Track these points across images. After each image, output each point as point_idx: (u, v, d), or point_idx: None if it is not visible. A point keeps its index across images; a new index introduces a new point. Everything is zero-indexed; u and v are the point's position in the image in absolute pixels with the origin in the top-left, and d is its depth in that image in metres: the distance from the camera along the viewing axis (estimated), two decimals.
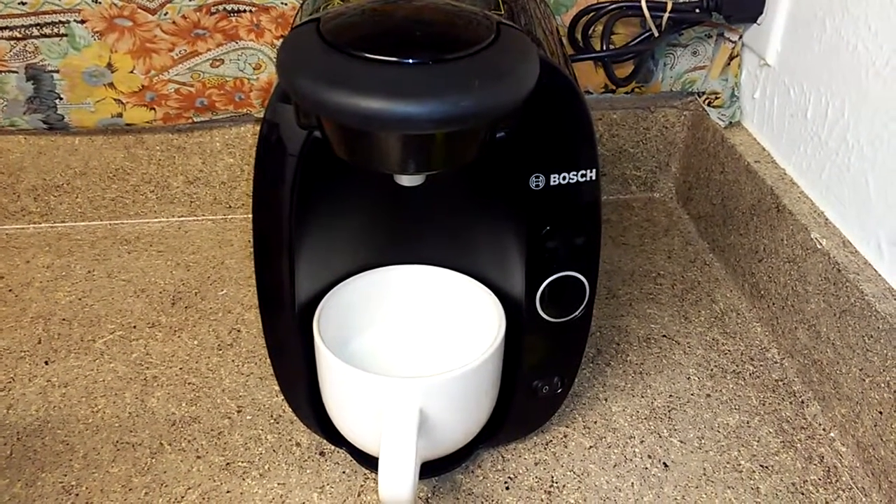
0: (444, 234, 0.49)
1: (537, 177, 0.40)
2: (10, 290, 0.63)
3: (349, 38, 0.33)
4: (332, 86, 0.31)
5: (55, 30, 0.60)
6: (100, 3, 0.59)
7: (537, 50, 0.36)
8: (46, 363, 0.56)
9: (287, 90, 0.33)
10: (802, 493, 0.48)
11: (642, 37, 0.63)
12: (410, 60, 0.32)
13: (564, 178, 0.40)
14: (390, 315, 0.51)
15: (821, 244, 0.53)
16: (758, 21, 0.63)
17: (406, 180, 0.40)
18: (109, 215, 0.72)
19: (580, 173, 0.40)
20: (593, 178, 0.41)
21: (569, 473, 0.49)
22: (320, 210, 0.43)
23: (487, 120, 0.34)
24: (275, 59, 0.63)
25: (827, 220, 0.55)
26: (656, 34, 0.62)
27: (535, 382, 0.47)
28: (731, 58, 0.67)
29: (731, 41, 0.66)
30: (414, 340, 0.51)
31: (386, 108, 0.30)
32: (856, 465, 0.50)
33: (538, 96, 0.35)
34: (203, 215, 0.73)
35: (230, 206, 0.73)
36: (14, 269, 0.66)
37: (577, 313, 0.45)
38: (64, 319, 0.60)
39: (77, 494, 0.47)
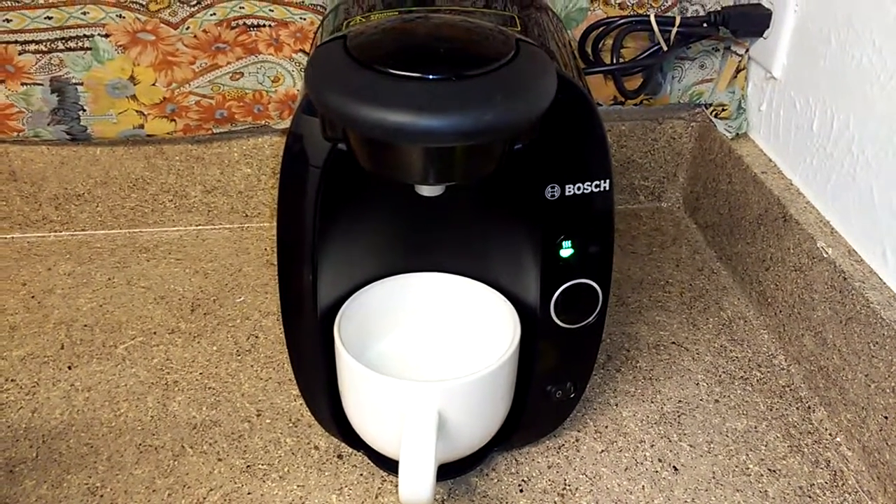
0: (461, 243, 0.50)
1: (552, 187, 0.41)
2: (32, 297, 0.65)
3: (375, 55, 0.34)
4: (360, 100, 0.32)
5: (80, 43, 0.62)
6: (123, 17, 0.61)
7: (554, 65, 0.37)
8: (69, 368, 0.57)
9: (315, 104, 0.35)
10: (809, 497, 0.49)
11: (651, 50, 0.65)
12: (434, 76, 0.33)
13: (579, 189, 0.41)
14: (409, 321, 0.52)
15: (827, 253, 0.54)
16: (764, 35, 0.64)
17: (427, 191, 0.41)
18: (129, 224, 0.73)
19: (594, 184, 0.42)
20: (607, 188, 0.42)
21: (581, 476, 0.50)
22: (342, 219, 0.45)
23: (508, 134, 0.36)
24: (297, 74, 0.65)
25: (833, 229, 0.56)
26: (665, 48, 0.64)
27: (548, 387, 0.48)
28: (738, 71, 0.68)
29: (737, 55, 0.67)
30: (432, 345, 0.52)
31: (411, 121, 0.32)
32: (861, 470, 0.50)
33: (554, 109, 0.36)
34: (221, 224, 0.74)
35: (247, 215, 0.74)
36: (36, 276, 0.67)
37: (590, 319, 0.46)
38: (86, 325, 0.62)
39: (102, 496, 0.48)
